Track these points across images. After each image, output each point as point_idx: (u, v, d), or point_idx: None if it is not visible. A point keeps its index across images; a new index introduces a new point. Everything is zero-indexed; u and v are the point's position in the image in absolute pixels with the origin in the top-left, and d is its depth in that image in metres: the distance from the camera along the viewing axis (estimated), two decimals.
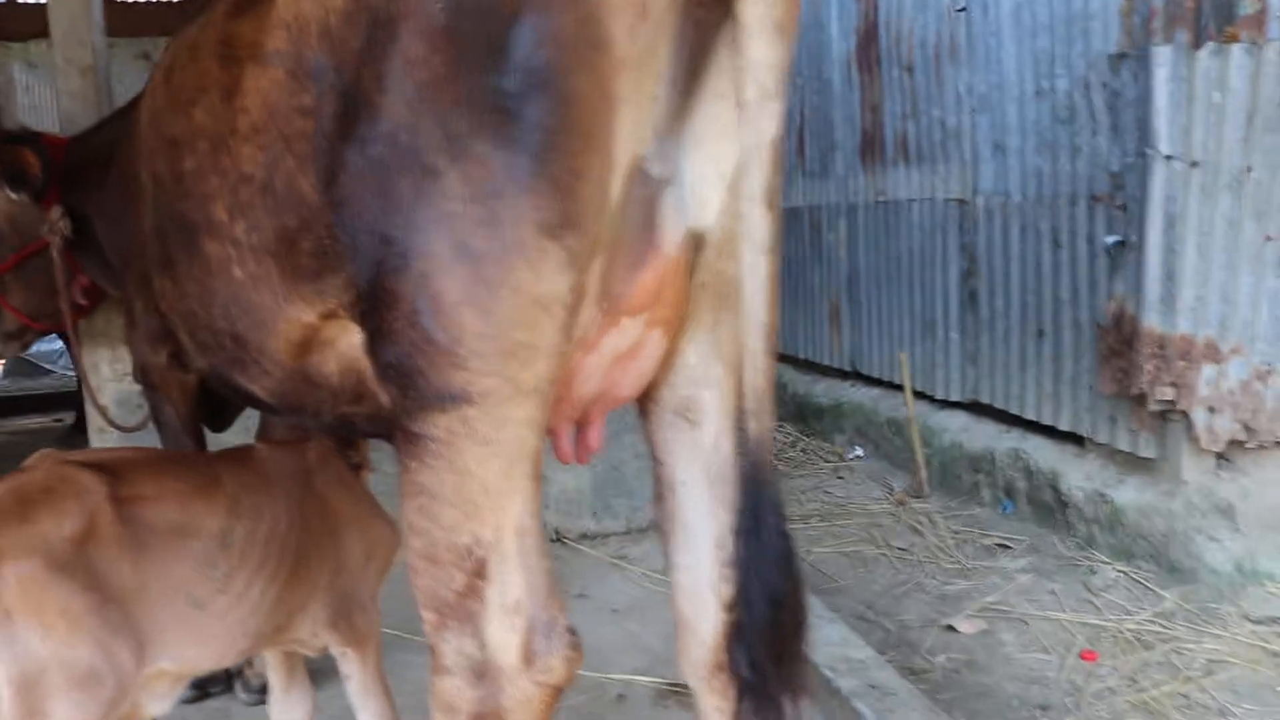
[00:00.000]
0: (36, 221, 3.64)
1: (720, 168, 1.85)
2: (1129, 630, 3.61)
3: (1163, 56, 3.63)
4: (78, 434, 7.44)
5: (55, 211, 3.50)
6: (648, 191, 1.80)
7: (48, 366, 10.53)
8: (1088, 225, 4.22)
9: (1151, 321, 3.84)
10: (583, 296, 1.72)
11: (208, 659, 2.09)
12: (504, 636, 1.74)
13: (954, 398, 5.32)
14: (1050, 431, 4.60)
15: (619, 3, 1.57)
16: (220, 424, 3.30)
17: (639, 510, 4.81)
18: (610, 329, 1.84)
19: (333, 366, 2.15)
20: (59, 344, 10.47)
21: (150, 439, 4.25)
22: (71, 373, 10.46)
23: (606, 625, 3.76)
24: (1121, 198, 3.99)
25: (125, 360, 4.16)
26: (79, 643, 1.83)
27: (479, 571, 1.74)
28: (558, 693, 1.80)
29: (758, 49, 1.62)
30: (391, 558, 2.42)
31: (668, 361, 2.00)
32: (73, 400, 8.88)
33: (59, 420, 8.45)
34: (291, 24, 1.90)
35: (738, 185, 1.71)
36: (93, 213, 3.50)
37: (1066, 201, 4.33)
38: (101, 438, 4.33)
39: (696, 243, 1.88)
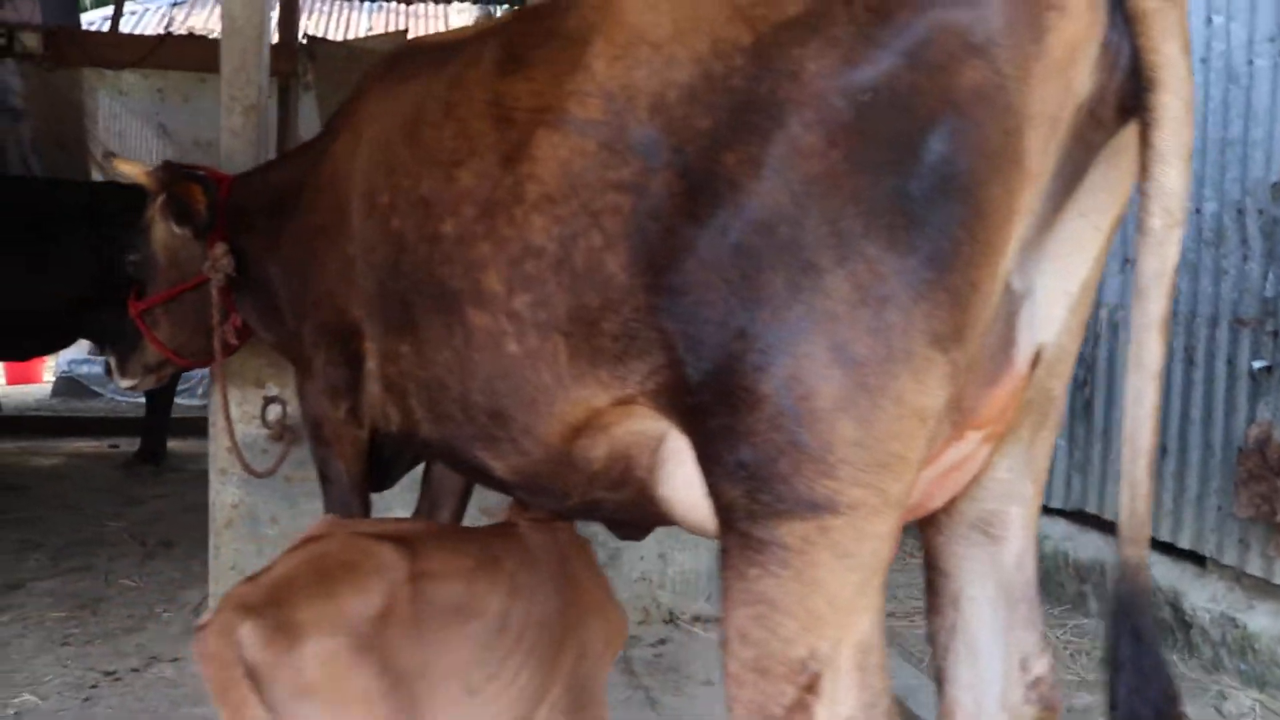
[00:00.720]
0: (194, 258, 3.58)
1: (1068, 285, 1.82)
2: None
3: None
4: (140, 463, 7.31)
5: (219, 249, 3.44)
6: (1009, 307, 1.76)
7: (97, 389, 10.36)
8: (1228, 348, 4.21)
9: None
10: (950, 410, 1.67)
11: None
12: None
13: (1056, 504, 5.27)
14: (1167, 548, 4.54)
15: (1039, 117, 1.54)
16: (384, 484, 3.21)
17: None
18: (954, 443, 1.79)
19: (601, 451, 2.07)
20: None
21: (267, 487, 4.16)
22: (122, 398, 10.32)
23: (707, 699, 3.66)
24: (1272, 324, 3.99)
25: (253, 403, 4.08)
26: None
27: (811, 686, 1.65)
28: None
29: (1171, 177, 1.58)
30: (620, 648, 2.33)
31: (976, 474, 1.95)
32: (127, 426, 8.75)
33: (114, 446, 8.28)
34: (615, 94, 1.85)
35: (1137, 309, 1.63)
36: (259, 255, 3.44)
37: (1205, 323, 4.33)
38: (223, 480, 4.23)
39: (1035, 359, 1.83)
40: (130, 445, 8.32)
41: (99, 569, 5.17)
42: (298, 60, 9.43)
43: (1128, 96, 1.59)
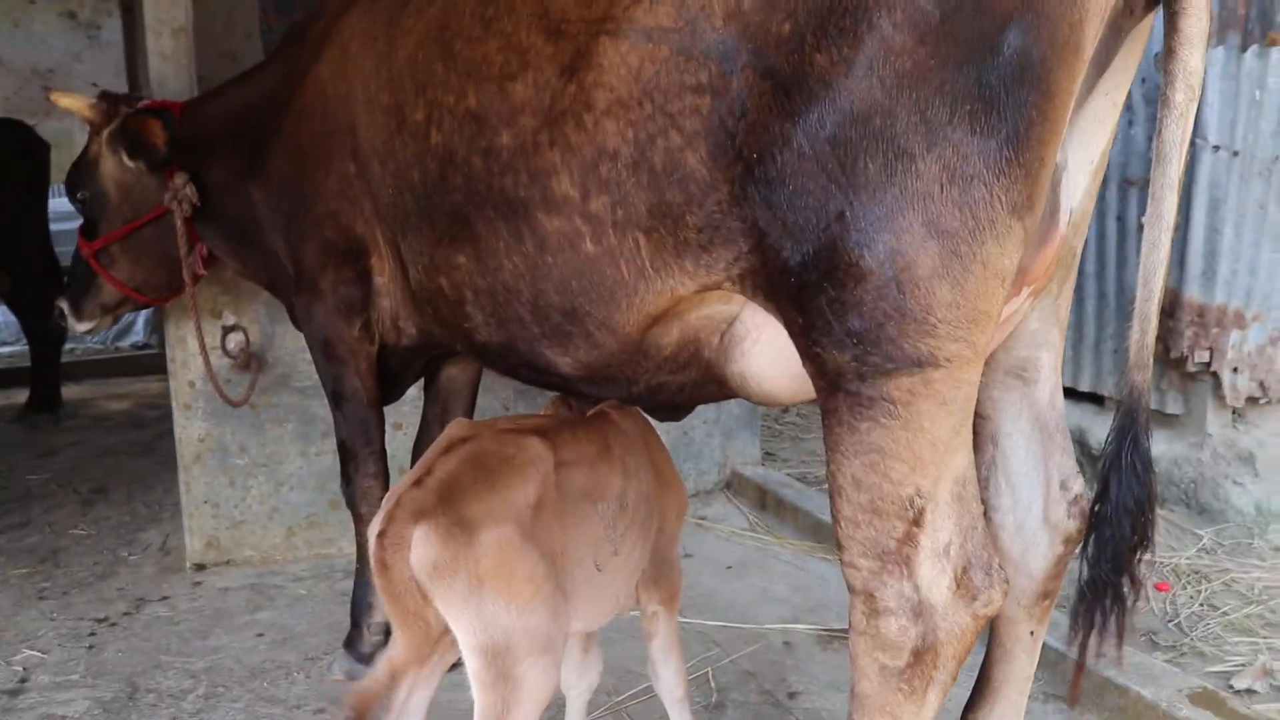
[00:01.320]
0: (149, 189, 3.51)
1: (1091, 155, 2.10)
2: (1185, 564, 4.09)
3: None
4: (36, 412, 7.02)
5: (180, 179, 3.39)
6: (1055, 177, 2.02)
7: None
8: (1117, 206, 4.67)
9: (1193, 293, 4.32)
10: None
11: (596, 622, 2.18)
12: (936, 577, 1.93)
13: None
14: (1069, 392, 5.05)
15: (1096, 11, 1.78)
16: (393, 396, 3.29)
17: (705, 474, 5.01)
18: (1012, 299, 2.05)
19: (673, 336, 2.26)
20: None
21: (234, 418, 4.16)
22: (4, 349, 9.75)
23: (730, 581, 3.96)
24: None
25: (212, 334, 4.05)
26: (538, 609, 1.89)
27: (917, 520, 1.92)
28: (986, 624, 2.00)
29: (1193, 58, 1.85)
30: (684, 518, 2.55)
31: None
32: (10, 379, 8.31)
33: None
34: (688, 2, 1.99)
35: (1158, 171, 1.91)
36: (226, 183, 3.41)
37: None
38: (187, 415, 4.19)
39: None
40: (5, 398, 7.97)
41: (39, 521, 5.04)
42: None
43: None
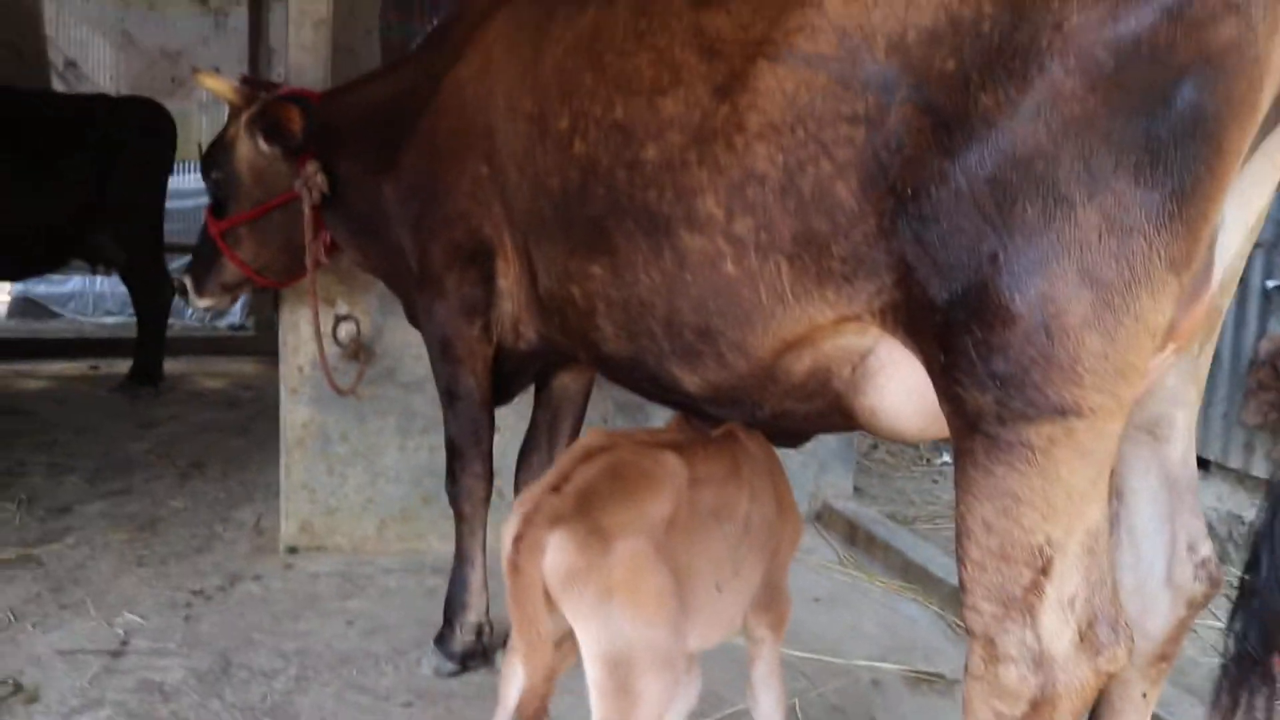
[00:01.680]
0: (280, 175, 3.62)
1: (1247, 215, 2.05)
2: None
3: None
4: (137, 385, 7.25)
5: (312, 167, 3.48)
6: (1211, 235, 1.98)
7: (56, 309, 10.12)
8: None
9: None
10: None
11: (710, 641, 2.18)
12: (1058, 629, 1.90)
13: None
14: None
15: (1274, 69, 1.74)
16: (505, 399, 3.34)
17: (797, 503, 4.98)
18: (1159, 353, 2.02)
19: (805, 364, 2.26)
20: (69, 286, 10.09)
21: (338, 406, 4.25)
22: (82, 317, 10.12)
23: (819, 614, 3.93)
24: None
25: (325, 322, 4.14)
26: (663, 624, 1.90)
27: (1045, 569, 1.89)
28: (1107, 680, 1.97)
29: None
30: (797, 548, 2.54)
31: None
32: (97, 347, 8.62)
33: (95, 368, 8.16)
34: (850, 32, 1.99)
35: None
36: (357, 175, 3.49)
37: None
38: (294, 399, 4.30)
39: None
40: (107, 367, 8.25)
41: (140, 491, 5.20)
42: None
43: None
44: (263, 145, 3.54)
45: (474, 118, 2.98)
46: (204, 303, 3.94)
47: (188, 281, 3.93)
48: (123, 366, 7.70)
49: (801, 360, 2.25)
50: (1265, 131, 1.94)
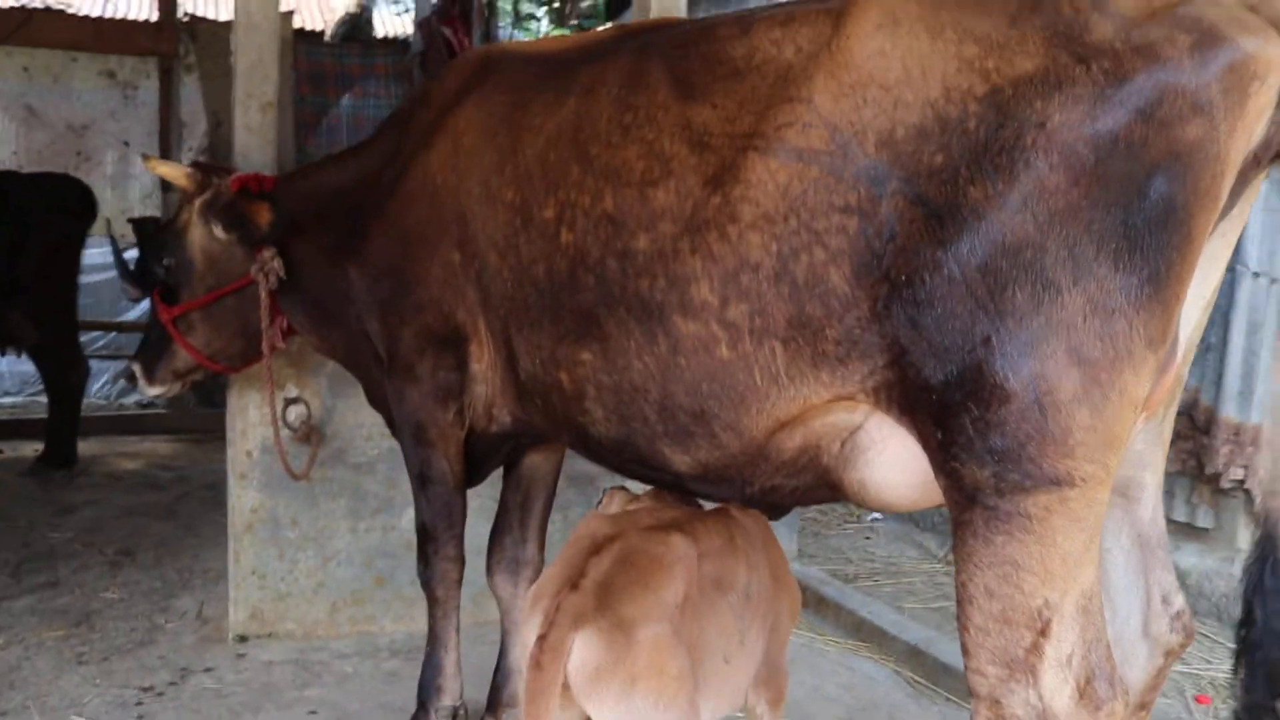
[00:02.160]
0: (235, 261, 3.58)
1: (1204, 290, 2.22)
2: (1222, 677, 4.15)
3: (1260, 190, 4.28)
4: (50, 468, 6.98)
5: (269, 252, 3.47)
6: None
7: None
8: None
9: (1229, 412, 4.46)
10: None
11: (721, 713, 2.22)
12: (1058, 687, 2.00)
13: None
14: None
15: (1235, 162, 1.92)
16: (476, 481, 3.34)
17: None
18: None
19: (796, 441, 2.34)
20: None
21: (288, 491, 4.18)
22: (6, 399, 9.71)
23: None
24: None
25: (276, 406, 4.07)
26: (681, 704, 1.94)
27: (1044, 630, 1.99)
28: None
29: None
30: (797, 621, 2.60)
31: None
32: (13, 430, 8.26)
33: None
34: (841, 128, 2.11)
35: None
36: (315, 259, 3.49)
37: None
38: (243, 484, 4.21)
39: None
40: (11, 451, 7.92)
41: (68, 582, 4.99)
42: (179, 40, 9.10)
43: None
44: (219, 233, 3.51)
45: (445, 204, 3.00)
46: (154, 390, 3.83)
47: (137, 369, 3.81)
48: (27, 450, 7.40)
49: (793, 438, 2.33)
50: (1222, 216, 2.12)
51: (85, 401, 10.26)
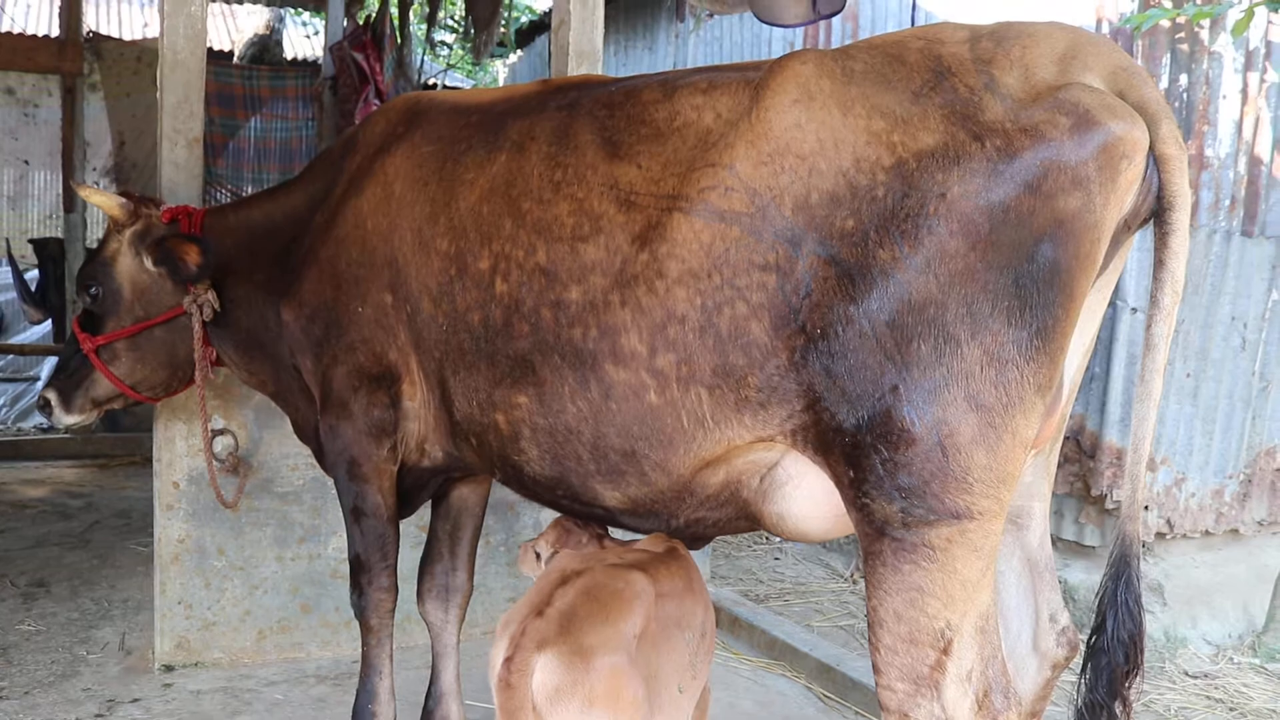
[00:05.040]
0: (164, 293, 3.62)
1: (1084, 340, 2.47)
2: None
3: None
4: None
5: (201, 285, 3.52)
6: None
7: None
8: None
9: (1112, 437, 4.81)
10: None
11: None
12: (959, 700, 2.22)
13: None
14: None
15: (1109, 229, 2.17)
16: (408, 513, 3.44)
17: None
18: None
19: (719, 478, 2.53)
20: None
21: (215, 520, 4.22)
22: None
23: None
24: None
25: (199, 437, 4.13)
26: None
27: (946, 649, 2.21)
28: None
29: (1178, 268, 2.25)
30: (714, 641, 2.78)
31: None
32: None
33: None
34: (760, 192, 2.31)
35: (1148, 358, 2.27)
36: (245, 295, 3.56)
37: None
38: (169, 515, 4.23)
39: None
40: None
41: None
42: (83, 59, 8.96)
43: (1147, 212, 2.25)
44: (150, 265, 3.55)
45: (377, 249, 3.09)
46: (71, 419, 3.77)
47: (53, 397, 3.76)
48: None
49: (717, 474, 2.52)
50: (1099, 274, 2.38)
51: None
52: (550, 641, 2.06)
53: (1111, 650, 2.34)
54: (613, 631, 2.14)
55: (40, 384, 3.87)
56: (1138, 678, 2.37)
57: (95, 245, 3.82)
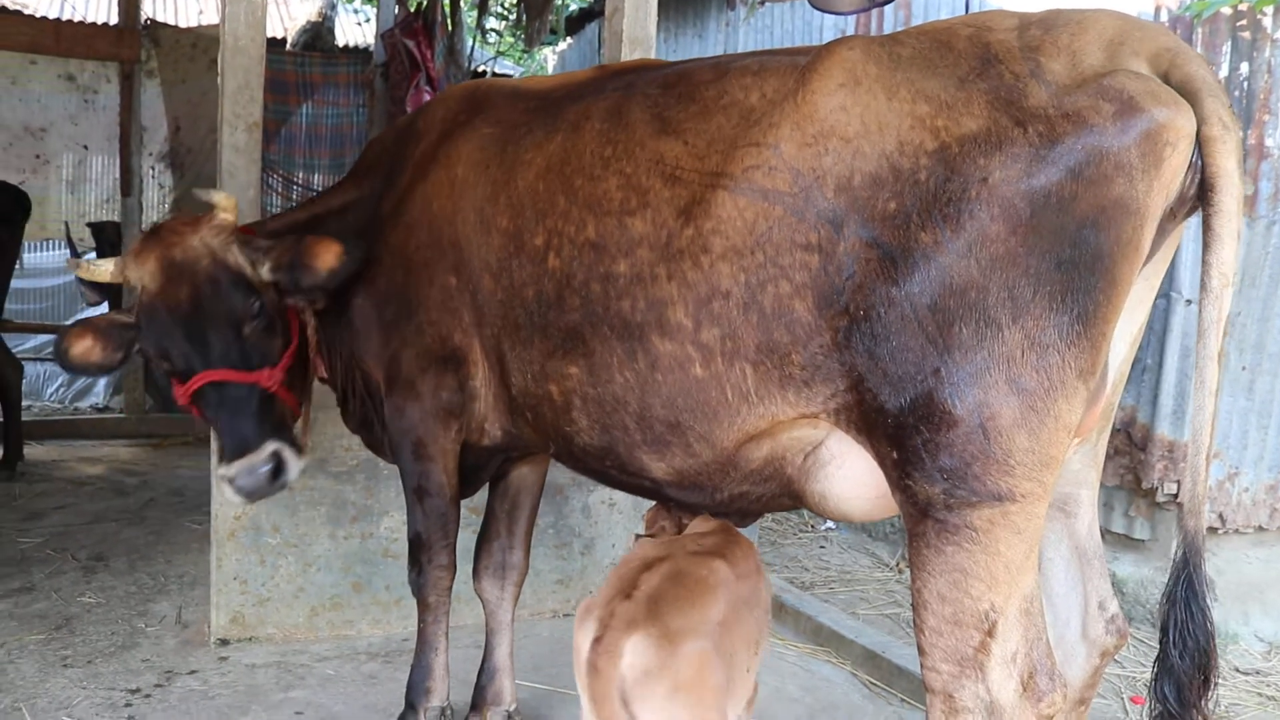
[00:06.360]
0: (283, 312, 3.38)
1: (1132, 328, 2.47)
2: None
3: (1191, 222, 4.58)
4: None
5: None
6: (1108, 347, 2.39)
7: None
8: None
9: (1164, 430, 4.76)
10: None
11: (735, 715, 2.42)
12: (1004, 681, 2.23)
13: None
14: None
15: (1153, 216, 2.16)
16: (471, 492, 3.50)
17: None
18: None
19: (763, 452, 2.56)
20: None
21: (271, 498, 4.30)
22: None
23: None
24: None
25: None
26: (713, 715, 2.14)
27: (991, 631, 2.22)
28: None
29: (1227, 253, 2.23)
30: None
31: None
32: None
33: None
34: (804, 173, 2.34)
35: (1201, 345, 2.24)
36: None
37: None
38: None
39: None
40: None
41: (44, 588, 5.08)
42: (140, 46, 9.14)
43: (1195, 197, 2.23)
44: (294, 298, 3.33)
45: (442, 231, 3.15)
46: (303, 461, 3.38)
47: (284, 451, 3.22)
48: None
49: (761, 449, 2.55)
50: (1145, 262, 2.37)
51: (40, 406, 10.33)
52: (639, 623, 2.10)
53: (1180, 657, 2.26)
54: (700, 617, 2.19)
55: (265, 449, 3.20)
56: (1212, 687, 2.28)
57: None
